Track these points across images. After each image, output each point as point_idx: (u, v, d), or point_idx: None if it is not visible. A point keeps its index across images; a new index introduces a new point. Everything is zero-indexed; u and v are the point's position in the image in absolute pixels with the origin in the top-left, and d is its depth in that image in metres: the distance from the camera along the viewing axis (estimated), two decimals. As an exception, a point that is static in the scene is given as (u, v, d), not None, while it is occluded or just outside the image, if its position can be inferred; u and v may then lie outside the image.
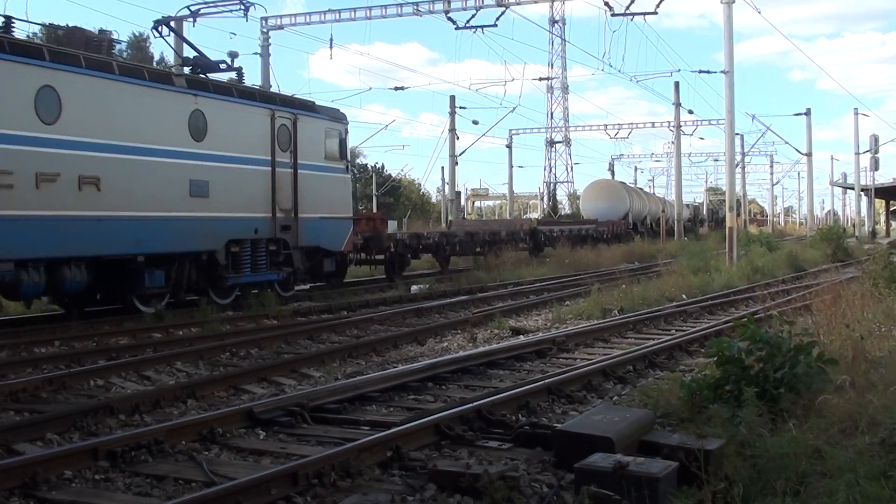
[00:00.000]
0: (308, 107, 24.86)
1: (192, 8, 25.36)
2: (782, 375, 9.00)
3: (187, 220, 20.12)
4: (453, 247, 35.41)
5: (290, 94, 24.54)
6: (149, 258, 19.31)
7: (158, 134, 19.48)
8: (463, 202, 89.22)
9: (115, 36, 20.79)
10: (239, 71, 23.58)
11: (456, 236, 35.97)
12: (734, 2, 33.45)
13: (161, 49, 77.28)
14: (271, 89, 39.05)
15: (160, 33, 23.68)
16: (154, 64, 74.24)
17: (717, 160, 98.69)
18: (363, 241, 28.96)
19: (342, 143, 25.83)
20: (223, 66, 23.37)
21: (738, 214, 54.08)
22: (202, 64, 23.07)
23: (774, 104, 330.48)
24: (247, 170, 21.90)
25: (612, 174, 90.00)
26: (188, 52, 23.98)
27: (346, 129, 26.23)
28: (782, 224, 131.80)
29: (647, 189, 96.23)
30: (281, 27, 39.54)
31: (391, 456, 8.26)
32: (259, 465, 8.32)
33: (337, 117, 26.04)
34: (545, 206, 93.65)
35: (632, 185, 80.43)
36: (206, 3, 25.43)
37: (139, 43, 74.98)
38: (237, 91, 22.34)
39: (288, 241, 23.24)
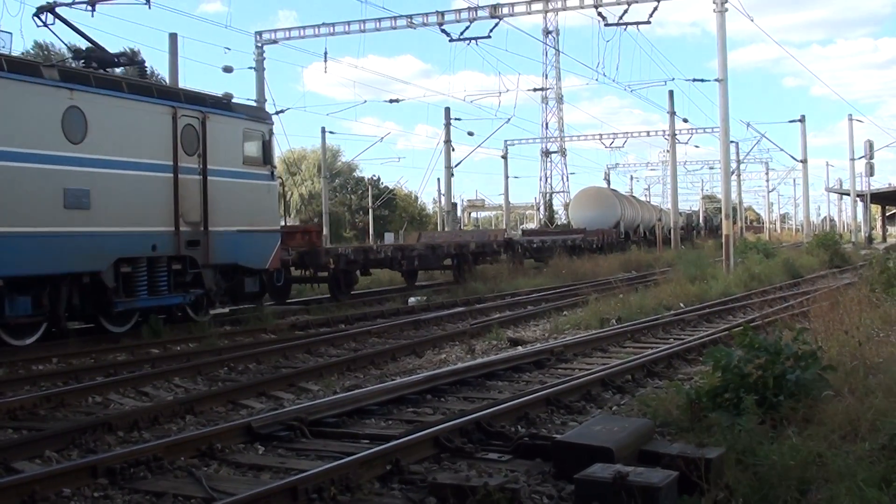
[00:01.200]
0: (221, 104, 21.71)
1: None
2: (782, 382, 9.00)
3: (61, 237, 17.14)
4: (410, 261, 32.15)
5: (198, 91, 21.40)
6: (9, 282, 16.37)
7: (21, 135, 16.53)
8: (459, 213, 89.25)
9: None
10: (142, 66, 21.68)
11: (414, 250, 32.96)
12: (727, 10, 33.57)
13: (154, 65, 77.31)
14: (266, 104, 39.20)
15: (43, 21, 20.69)
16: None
17: (712, 168, 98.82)
18: (298, 257, 26.07)
19: (266, 146, 22.68)
20: (122, 59, 21.19)
21: (735, 222, 54.11)
22: (96, 57, 20.46)
23: (768, 111, 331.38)
24: (140, 177, 18.77)
25: (608, 183, 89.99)
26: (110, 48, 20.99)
27: (271, 131, 23.11)
28: (779, 231, 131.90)
29: (642, 197, 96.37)
30: (275, 41, 39.65)
31: (391, 469, 8.24)
32: (258, 481, 8.29)
33: (259, 117, 23.18)
34: (541, 216, 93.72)
35: (624, 193, 79.44)
36: None
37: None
38: (127, 86, 19.11)
39: (196, 259, 20.21)
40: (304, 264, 26.77)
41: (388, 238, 69.26)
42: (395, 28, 37.64)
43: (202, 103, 20.85)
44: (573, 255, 43.24)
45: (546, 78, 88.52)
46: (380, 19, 37.20)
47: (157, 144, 19.31)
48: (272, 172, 22.99)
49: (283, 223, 27.10)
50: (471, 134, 68.95)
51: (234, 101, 22.52)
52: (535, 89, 68.97)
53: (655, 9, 33.74)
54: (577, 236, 51.22)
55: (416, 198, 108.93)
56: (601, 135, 79.82)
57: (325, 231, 62.76)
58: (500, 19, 36.10)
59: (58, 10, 20.87)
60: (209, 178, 20.50)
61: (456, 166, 55.79)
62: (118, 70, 21.13)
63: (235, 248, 21.39)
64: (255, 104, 29.29)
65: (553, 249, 43.89)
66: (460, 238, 40.08)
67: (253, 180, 22.05)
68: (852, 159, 76.13)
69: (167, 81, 33.26)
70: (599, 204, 65.90)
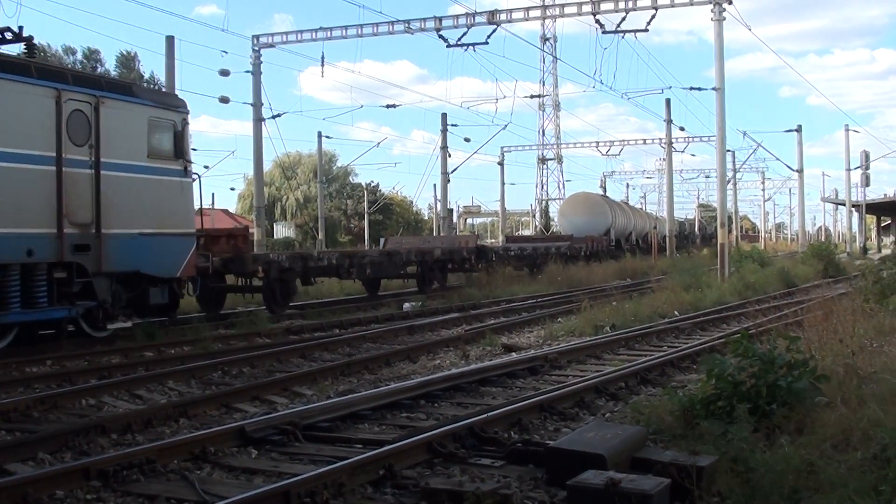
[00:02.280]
0: (121, 88, 18.97)
1: None
2: (775, 391, 9.02)
3: None
4: (361, 269, 28.86)
5: (92, 72, 17.32)
6: None
7: None
8: (455, 219, 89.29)
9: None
10: (29, 43, 17.90)
11: (365, 257, 30.05)
12: (724, 19, 33.63)
13: (151, 67, 77.48)
14: (262, 107, 39.25)
15: None
16: (143, 83, 74.50)
17: (708, 177, 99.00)
18: (221, 264, 22.78)
19: (179, 138, 19.43)
20: (8, 34, 17.72)
21: (730, 231, 54.07)
22: None
23: (764, 120, 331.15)
24: (11, 169, 15.91)
25: (604, 190, 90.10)
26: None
27: (185, 120, 19.78)
28: (774, 240, 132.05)
29: (637, 205, 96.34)
30: (272, 45, 39.71)
31: (383, 474, 8.24)
32: (251, 484, 8.29)
33: (169, 104, 19.90)
34: (537, 223, 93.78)
35: (616, 200, 77.90)
36: None
37: (127, 61, 75.20)
38: None
39: (86, 266, 17.23)
40: (228, 272, 23.80)
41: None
42: (392, 33, 37.73)
43: (95, 86, 18.12)
44: (559, 263, 42.03)
45: (543, 85, 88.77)
46: (377, 24, 37.33)
47: (35, 132, 16.49)
48: (186, 168, 19.78)
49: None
50: (467, 140, 69.05)
51: (138, 85, 19.90)
52: (532, 96, 69.09)
53: (653, 17, 33.94)
54: (562, 244, 49.06)
55: (412, 203, 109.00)
56: (597, 142, 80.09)
57: (321, 236, 62.82)
58: (498, 25, 36.23)
59: None
60: (103, 172, 17.65)
61: (452, 172, 55.78)
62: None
63: (137, 254, 18.49)
64: (165, 90, 26.64)
65: (534, 258, 42.59)
66: (423, 245, 36.84)
67: (161, 176, 19.10)
68: (848, 169, 76.35)
69: (164, 84, 33.19)
70: (589, 210, 63.91)
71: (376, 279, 32.17)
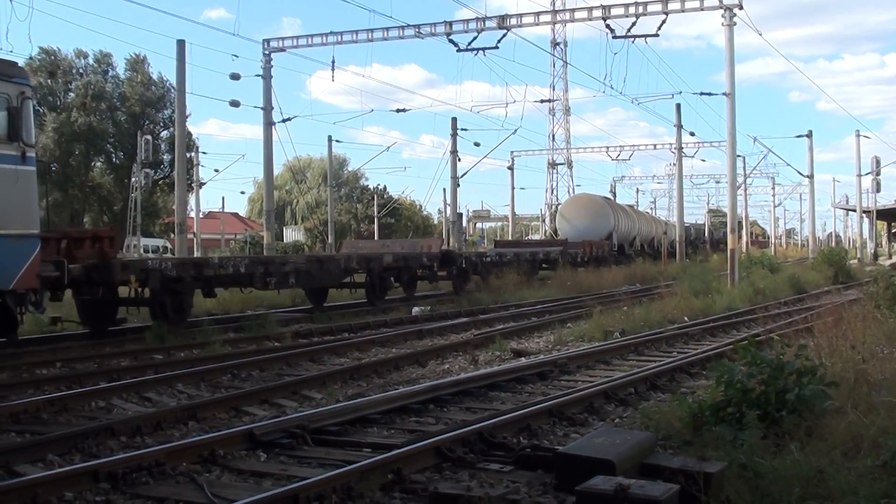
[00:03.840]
0: None
1: None
2: (784, 398, 8.99)
3: None
4: (283, 278, 24.47)
5: None
6: None
7: None
8: (465, 224, 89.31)
9: None
10: None
11: (286, 264, 25.26)
12: (735, 24, 33.58)
13: (163, 71, 77.64)
14: (273, 111, 39.27)
15: None
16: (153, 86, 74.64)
17: (718, 182, 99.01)
18: (83, 272, 18.60)
19: (14, 116, 15.63)
20: None
21: (740, 236, 53.91)
22: None
23: (774, 125, 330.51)
24: None
25: (614, 196, 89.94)
26: None
27: (24, 94, 15.89)
28: (784, 246, 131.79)
29: (648, 210, 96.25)
30: (283, 49, 39.70)
31: (392, 478, 8.25)
32: (260, 487, 8.31)
33: (2, 73, 15.74)
34: (547, 228, 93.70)
35: (620, 203, 75.71)
36: None
37: (136, 64, 75.34)
38: None
39: None
40: (91, 284, 19.13)
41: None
42: (402, 38, 37.71)
43: None
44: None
45: (553, 89, 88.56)
46: (387, 28, 37.27)
47: None
48: (24, 153, 15.76)
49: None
50: (477, 144, 69.35)
51: None
52: (542, 100, 68.85)
53: (664, 21, 33.89)
54: (553, 249, 45.78)
55: (421, 207, 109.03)
56: (608, 147, 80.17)
57: (330, 239, 62.81)
58: (508, 30, 36.20)
59: None
60: None
61: (462, 176, 55.78)
62: None
63: None
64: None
65: (518, 264, 38.10)
66: (368, 250, 33.22)
67: None
68: (859, 175, 76.11)
69: (175, 88, 33.22)
70: (590, 213, 61.26)
71: (310, 289, 27.86)
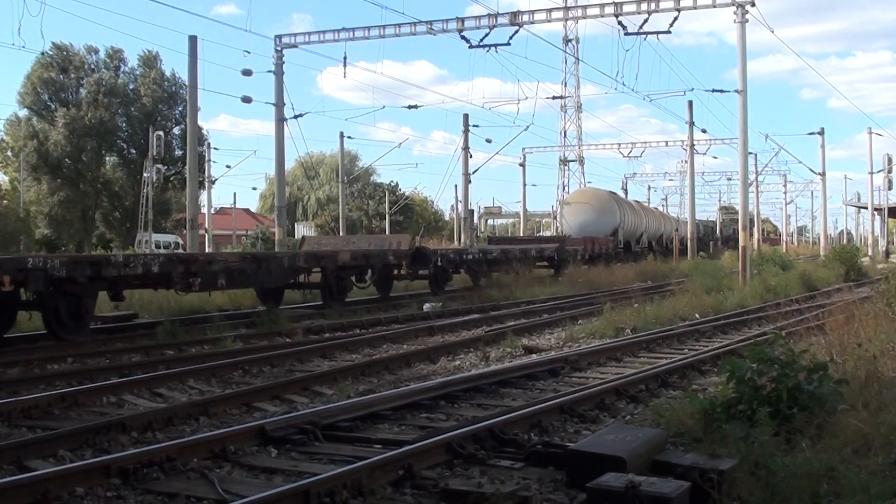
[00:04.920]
0: None
1: None
2: (795, 395, 8.98)
3: None
4: (209, 279, 21.32)
5: None
6: None
7: None
8: (476, 220, 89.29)
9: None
10: None
11: (214, 262, 22.03)
12: (747, 21, 33.51)
13: (175, 67, 77.90)
14: (284, 107, 39.34)
15: None
16: (165, 83, 74.73)
17: (730, 179, 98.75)
18: None
19: None
20: None
21: (752, 234, 53.71)
22: None
23: (785, 122, 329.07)
24: None
25: (626, 193, 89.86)
26: None
27: None
28: (795, 243, 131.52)
29: (660, 207, 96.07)
30: (295, 45, 39.74)
31: (403, 475, 8.25)
32: (271, 483, 8.30)
33: None
34: (558, 224, 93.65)
35: (628, 199, 73.79)
36: None
37: (149, 60, 75.51)
38: None
39: None
40: None
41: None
42: (414, 34, 37.72)
43: None
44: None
45: (565, 86, 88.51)
46: (399, 25, 37.31)
47: None
48: None
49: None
50: (489, 141, 69.10)
51: None
52: (553, 97, 68.73)
53: (676, 18, 33.86)
54: (548, 246, 42.90)
55: (433, 203, 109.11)
56: (619, 144, 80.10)
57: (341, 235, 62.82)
58: (520, 27, 36.19)
59: None
60: None
61: (474, 173, 55.85)
62: None
63: None
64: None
65: (507, 262, 36.09)
66: (331, 247, 30.33)
67: None
68: (871, 173, 75.98)
69: (186, 83, 33.28)
70: (595, 208, 59.30)
71: (260, 290, 25.36)
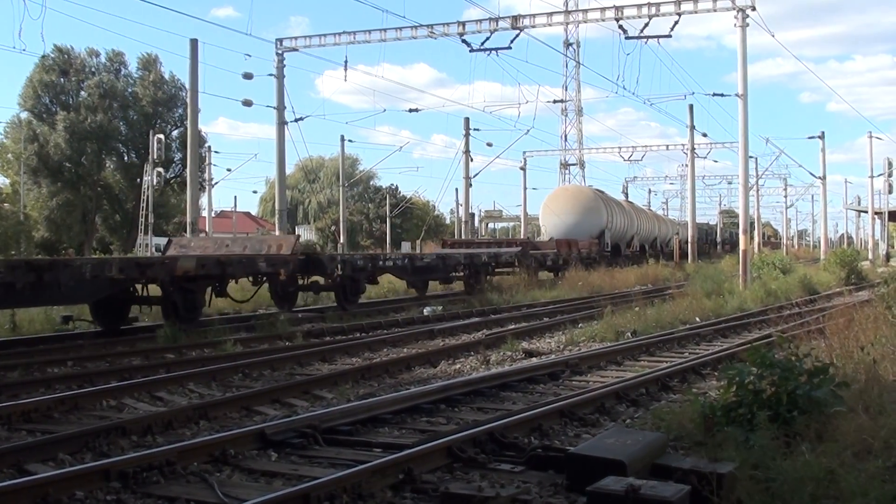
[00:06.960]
0: None
1: None
2: (795, 399, 8.97)
3: None
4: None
5: None
6: None
7: None
8: (476, 224, 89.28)
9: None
10: None
11: None
12: (748, 25, 33.50)
13: (175, 70, 77.94)
14: (285, 111, 39.33)
15: None
16: (164, 85, 74.76)
17: (730, 183, 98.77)
18: None
19: None
20: None
21: (752, 237, 53.62)
22: None
23: (784, 126, 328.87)
24: None
25: (626, 196, 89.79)
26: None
27: None
28: (796, 247, 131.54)
29: (660, 211, 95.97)
30: (295, 49, 39.73)
31: (403, 478, 8.25)
32: (271, 487, 8.31)
33: None
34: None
35: (617, 198, 68.72)
36: None
37: (148, 63, 75.56)
38: None
39: None
40: None
41: (405, 248, 69.14)
42: (415, 38, 37.79)
43: None
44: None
45: (566, 90, 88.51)
46: (400, 28, 37.28)
47: None
48: None
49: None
50: (489, 145, 69.22)
51: None
52: (554, 101, 68.68)
53: (676, 22, 33.95)
54: (508, 251, 38.61)
55: (434, 207, 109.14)
56: (620, 147, 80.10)
57: (342, 239, 62.89)
58: (521, 30, 36.19)
59: None
60: None
61: (474, 177, 55.86)
62: None
63: None
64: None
65: (444, 270, 32.67)
66: (201, 250, 25.50)
67: None
68: (871, 176, 75.91)
69: (185, 86, 33.32)
70: (578, 208, 55.17)
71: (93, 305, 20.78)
